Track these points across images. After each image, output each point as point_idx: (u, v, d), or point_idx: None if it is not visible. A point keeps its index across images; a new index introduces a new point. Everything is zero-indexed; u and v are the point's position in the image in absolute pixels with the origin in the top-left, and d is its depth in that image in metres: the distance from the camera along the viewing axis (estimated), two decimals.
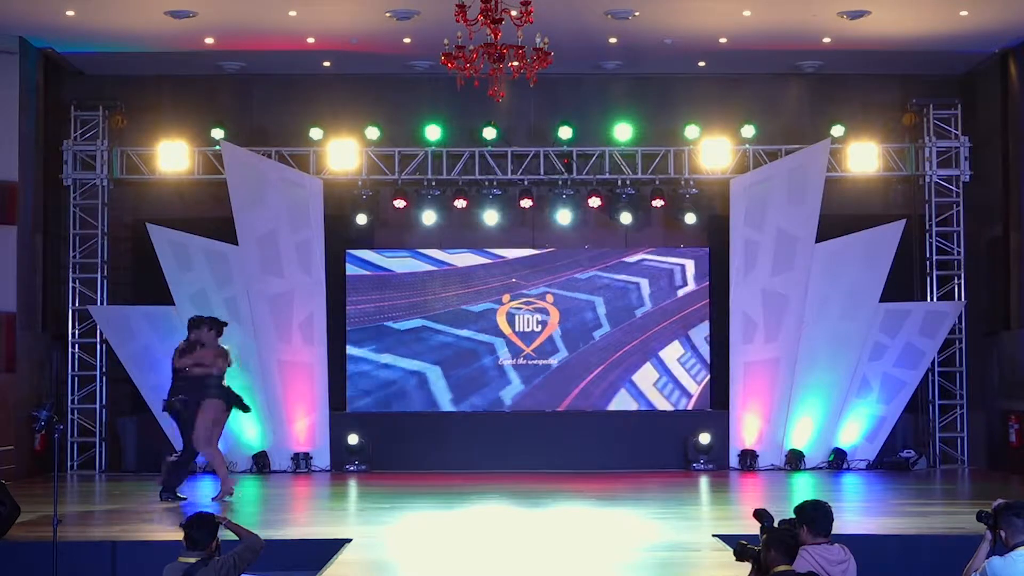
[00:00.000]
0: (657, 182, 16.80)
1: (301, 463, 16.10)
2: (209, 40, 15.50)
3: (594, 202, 16.57)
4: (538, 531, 10.92)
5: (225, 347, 13.16)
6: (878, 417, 16.44)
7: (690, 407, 16.69)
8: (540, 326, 16.78)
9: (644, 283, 16.79)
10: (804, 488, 14.49)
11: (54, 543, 8.73)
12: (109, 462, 16.63)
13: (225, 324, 13.34)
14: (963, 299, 16.72)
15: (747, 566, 6.47)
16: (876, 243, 16.34)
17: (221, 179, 16.39)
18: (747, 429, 16.36)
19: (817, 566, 6.42)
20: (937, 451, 16.77)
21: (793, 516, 6.70)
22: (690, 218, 16.75)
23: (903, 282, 16.85)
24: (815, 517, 6.62)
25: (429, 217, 16.75)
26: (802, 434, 16.32)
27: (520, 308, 16.81)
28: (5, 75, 15.49)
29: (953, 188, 16.86)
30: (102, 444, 16.59)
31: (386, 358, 16.66)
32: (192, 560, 6.63)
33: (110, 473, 16.38)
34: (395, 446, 16.34)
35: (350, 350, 16.63)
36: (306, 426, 16.23)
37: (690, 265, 16.80)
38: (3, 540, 9.88)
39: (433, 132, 16.61)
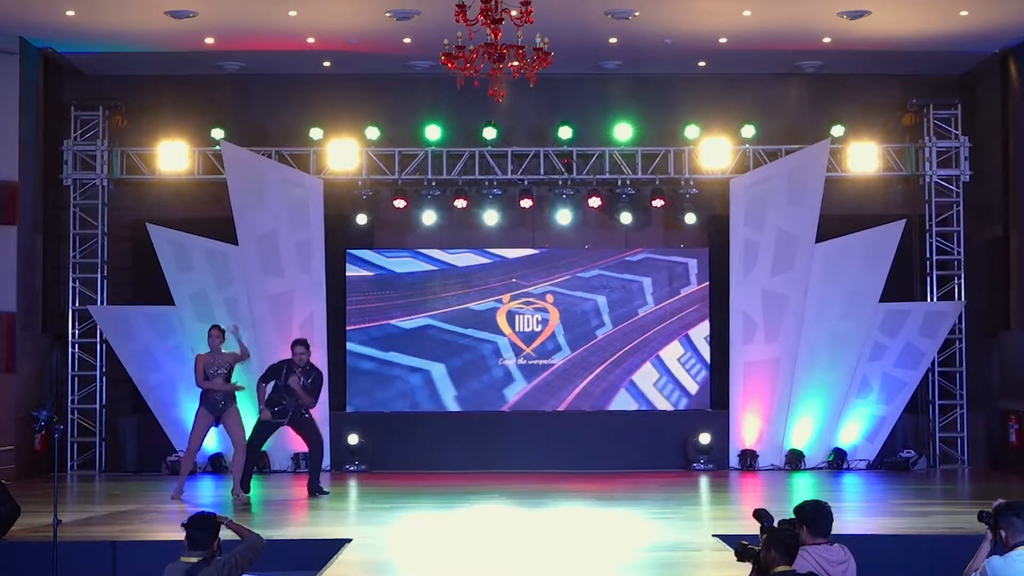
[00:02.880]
0: (657, 182, 16.80)
1: (301, 463, 16.09)
2: (209, 40, 15.50)
3: (594, 202, 16.58)
4: (538, 531, 10.92)
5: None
6: (878, 417, 16.44)
7: (690, 407, 16.69)
8: (540, 326, 16.78)
9: (645, 283, 16.79)
10: (804, 488, 14.49)
11: (54, 543, 8.72)
12: (109, 462, 16.63)
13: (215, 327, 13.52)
14: (963, 299, 16.72)
15: (748, 566, 6.47)
16: (876, 243, 16.34)
17: (221, 179, 16.39)
18: (747, 429, 16.36)
19: (817, 566, 6.42)
20: (937, 451, 16.77)
21: (793, 516, 6.70)
22: (690, 218, 16.75)
23: (903, 282, 16.85)
24: (815, 518, 6.63)
25: (429, 217, 16.75)
26: (802, 434, 16.32)
27: (520, 308, 16.80)
28: (5, 75, 15.49)
29: (953, 188, 16.86)
30: (102, 444, 16.59)
31: (386, 358, 16.65)
32: (194, 560, 6.63)
33: (110, 473, 16.38)
34: (395, 446, 16.34)
35: (350, 349, 16.64)
36: None
37: (691, 265, 16.81)
38: (3, 540, 9.88)
39: (433, 132, 16.61)
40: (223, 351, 13.21)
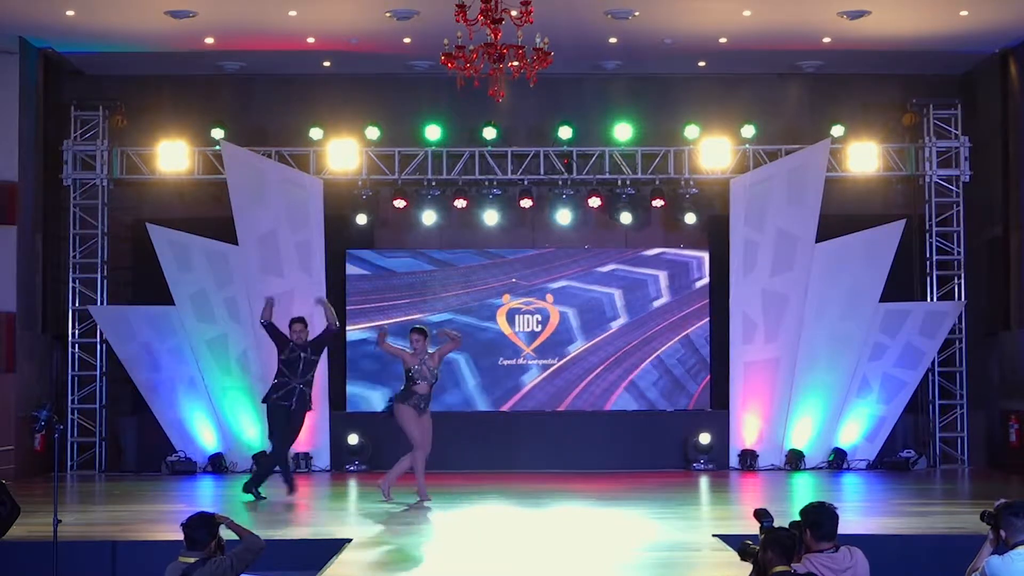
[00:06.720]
0: (657, 182, 16.79)
1: (301, 463, 16.09)
2: (209, 40, 15.50)
3: (594, 202, 16.58)
4: (538, 531, 10.93)
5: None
6: (878, 417, 16.44)
7: (690, 407, 16.69)
8: (540, 326, 16.78)
9: (644, 283, 16.77)
10: (804, 488, 14.49)
11: (54, 543, 8.72)
12: (109, 462, 16.61)
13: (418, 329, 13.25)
14: (963, 299, 16.72)
15: (748, 566, 6.46)
16: (876, 243, 16.33)
17: (221, 179, 16.39)
18: (747, 429, 16.36)
19: (820, 574, 6.36)
20: (937, 451, 16.77)
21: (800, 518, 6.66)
22: (690, 218, 16.75)
23: (903, 282, 16.84)
24: (818, 520, 6.54)
25: (429, 217, 16.75)
26: (802, 434, 16.31)
27: (520, 308, 16.80)
28: (5, 75, 15.49)
29: (953, 188, 16.86)
30: (102, 444, 16.58)
31: (385, 357, 16.63)
32: (191, 560, 6.64)
33: (110, 473, 16.38)
34: (395, 446, 16.26)
35: (349, 349, 16.64)
36: (306, 426, 16.19)
37: (690, 265, 16.80)
38: (3, 540, 9.87)
39: (433, 132, 16.61)
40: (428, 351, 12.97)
